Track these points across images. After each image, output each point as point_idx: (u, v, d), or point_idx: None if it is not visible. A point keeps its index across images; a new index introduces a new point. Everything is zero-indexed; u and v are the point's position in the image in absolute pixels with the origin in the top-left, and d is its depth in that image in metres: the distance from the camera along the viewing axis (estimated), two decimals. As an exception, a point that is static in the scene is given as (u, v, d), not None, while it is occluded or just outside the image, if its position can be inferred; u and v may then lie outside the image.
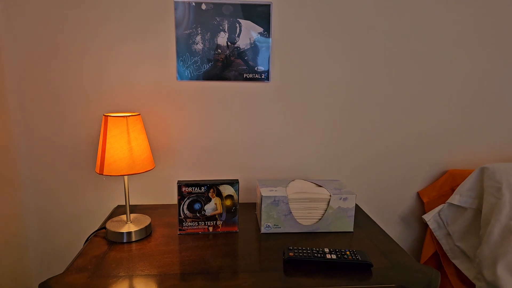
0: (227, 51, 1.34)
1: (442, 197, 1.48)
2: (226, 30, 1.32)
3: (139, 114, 1.15)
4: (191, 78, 1.36)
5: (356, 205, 1.47)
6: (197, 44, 1.33)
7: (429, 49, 1.43)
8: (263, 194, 1.18)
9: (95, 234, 1.18)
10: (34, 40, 1.28)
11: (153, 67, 1.35)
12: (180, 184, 1.16)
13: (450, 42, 1.43)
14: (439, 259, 1.49)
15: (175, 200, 1.47)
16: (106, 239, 1.15)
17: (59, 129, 1.36)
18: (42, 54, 1.30)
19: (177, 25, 1.31)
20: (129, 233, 1.13)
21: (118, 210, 1.37)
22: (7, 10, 1.25)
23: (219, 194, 1.18)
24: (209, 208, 1.18)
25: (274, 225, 1.20)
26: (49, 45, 1.29)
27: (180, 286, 0.90)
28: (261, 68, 1.37)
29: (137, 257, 1.04)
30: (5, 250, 1.28)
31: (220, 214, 1.19)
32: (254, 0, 1.31)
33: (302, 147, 1.47)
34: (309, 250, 1.03)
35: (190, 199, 1.17)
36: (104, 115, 1.11)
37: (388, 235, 1.20)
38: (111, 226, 1.16)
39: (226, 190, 1.18)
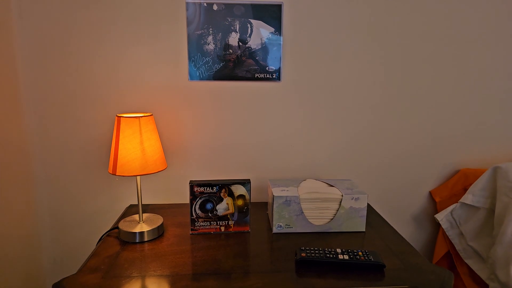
0: (239, 51, 1.34)
1: (455, 197, 1.46)
2: (237, 30, 1.32)
3: (151, 115, 1.16)
4: (203, 78, 1.36)
5: (368, 204, 1.46)
6: (208, 44, 1.33)
7: (441, 49, 1.41)
8: (274, 194, 1.18)
9: (108, 233, 1.20)
10: (47, 42, 1.30)
11: (165, 68, 1.35)
12: (192, 184, 1.16)
13: (463, 42, 1.41)
14: (452, 259, 1.48)
15: (187, 200, 1.48)
16: (119, 238, 1.16)
17: (72, 130, 1.37)
18: (55, 55, 1.31)
19: (188, 26, 1.31)
20: (141, 233, 1.14)
21: (131, 210, 1.38)
22: (21, 12, 1.27)
23: (231, 194, 1.18)
24: (221, 208, 1.19)
25: (286, 225, 1.20)
26: (61, 46, 1.31)
27: (192, 286, 0.91)
28: (272, 67, 1.37)
29: (149, 257, 1.05)
30: (19, 250, 1.30)
31: (232, 214, 1.20)
32: (266, 0, 1.31)
33: (313, 147, 1.47)
34: (321, 250, 1.03)
35: (202, 199, 1.18)
36: (117, 115, 1.11)
37: (400, 235, 1.19)
38: (124, 226, 1.17)
39: (238, 190, 1.18)
